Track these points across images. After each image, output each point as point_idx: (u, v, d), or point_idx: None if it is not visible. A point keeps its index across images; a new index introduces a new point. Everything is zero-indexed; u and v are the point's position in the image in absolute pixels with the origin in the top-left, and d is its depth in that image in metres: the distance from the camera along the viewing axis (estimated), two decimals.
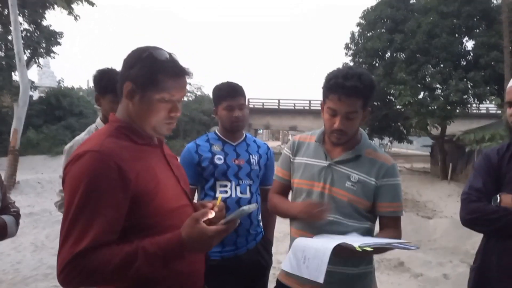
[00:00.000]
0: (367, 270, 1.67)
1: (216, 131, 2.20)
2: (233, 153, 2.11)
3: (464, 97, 14.68)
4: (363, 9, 18.54)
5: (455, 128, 16.22)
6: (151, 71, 1.17)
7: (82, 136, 2.10)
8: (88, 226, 1.04)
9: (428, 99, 15.33)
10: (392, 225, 1.66)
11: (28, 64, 19.06)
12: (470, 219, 1.65)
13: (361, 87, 1.52)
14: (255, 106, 31.06)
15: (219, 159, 2.07)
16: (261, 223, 2.26)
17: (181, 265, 1.20)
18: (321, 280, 1.28)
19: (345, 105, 1.53)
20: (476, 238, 5.89)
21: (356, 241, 1.36)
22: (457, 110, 15.23)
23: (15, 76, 18.09)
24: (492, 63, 14.34)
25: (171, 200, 1.22)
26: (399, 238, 1.64)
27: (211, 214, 1.15)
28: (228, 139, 2.14)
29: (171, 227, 1.14)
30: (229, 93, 2.07)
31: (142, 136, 1.24)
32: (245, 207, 1.17)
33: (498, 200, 1.59)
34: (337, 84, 1.52)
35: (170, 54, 1.22)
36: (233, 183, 2.06)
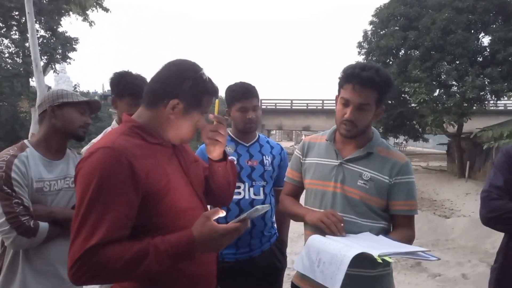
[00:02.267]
0: (384, 272, 1.64)
1: (229, 132, 2.19)
2: (246, 154, 2.10)
3: (481, 93, 14.40)
4: (375, 7, 18.36)
5: (472, 125, 15.91)
6: (200, 93, 1.25)
7: (98, 139, 2.13)
8: (99, 222, 1.05)
9: (444, 96, 15.09)
10: (405, 224, 1.62)
11: (45, 70, 19.47)
12: (490, 218, 1.62)
13: (377, 79, 1.51)
14: (268, 107, 31.02)
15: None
16: (275, 225, 2.25)
17: (193, 266, 1.20)
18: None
19: (358, 95, 1.52)
20: (495, 237, 5.77)
21: (374, 246, 1.33)
22: (474, 107, 14.94)
23: (33, 82, 18.51)
24: (510, 58, 14.04)
25: (182, 200, 1.23)
26: (413, 237, 1.62)
27: (222, 213, 1.16)
28: (241, 140, 2.13)
29: (182, 228, 1.15)
30: (243, 94, 2.05)
31: (155, 136, 1.26)
32: (259, 207, 1.16)
33: None
34: (353, 74, 1.53)
35: (207, 76, 1.29)
36: (247, 184, 2.05)
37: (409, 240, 1.58)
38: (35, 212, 1.61)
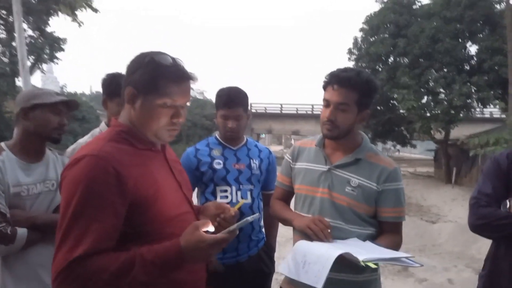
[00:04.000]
0: (371, 278, 1.63)
1: (216, 135, 2.17)
2: (233, 158, 2.08)
3: (467, 101, 14.64)
4: (366, 14, 18.58)
5: (459, 132, 16.15)
6: (152, 76, 1.15)
7: (85, 139, 2.08)
8: (84, 232, 1.02)
9: (432, 103, 15.30)
10: (393, 230, 1.62)
11: (32, 70, 19.19)
12: (479, 225, 1.62)
13: (355, 79, 1.52)
14: (258, 111, 31.07)
15: (218, 164, 2.04)
16: (263, 229, 2.23)
17: (182, 274, 1.17)
18: (320, 285, 1.25)
19: (337, 95, 1.54)
20: (481, 243, 5.83)
21: (360, 252, 1.32)
22: (461, 114, 15.16)
23: (19, 82, 18.22)
24: (496, 67, 14.32)
25: (171, 206, 1.19)
26: (400, 243, 1.62)
27: (211, 228, 1.12)
28: (228, 144, 2.11)
29: (171, 234, 1.12)
30: (225, 103, 1.99)
31: (143, 141, 1.22)
32: (249, 218, 1.14)
33: (508, 206, 1.55)
34: (333, 75, 1.57)
35: (174, 59, 1.19)
36: (234, 188, 2.03)
37: (396, 246, 1.58)
38: (13, 217, 1.55)
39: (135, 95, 1.17)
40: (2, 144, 1.69)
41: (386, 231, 1.62)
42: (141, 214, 1.11)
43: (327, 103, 1.58)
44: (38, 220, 1.61)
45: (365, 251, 1.36)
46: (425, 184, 15.53)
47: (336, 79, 1.55)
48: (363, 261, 1.25)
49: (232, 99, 2.00)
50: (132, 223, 1.11)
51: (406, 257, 1.37)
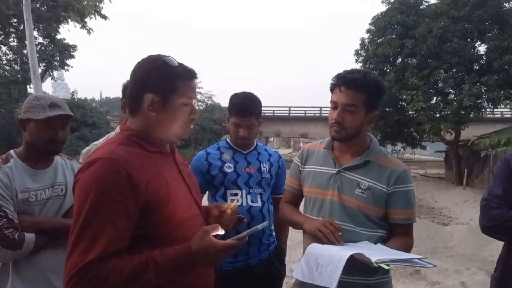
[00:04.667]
0: (383, 280, 1.62)
1: (227, 139, 2.18)
2: (243, 161, 2.10)
3: (477, 101, 14.50)
4: (372, 15, 18.51)
5: (469, 133, 15.96)
6: (169, 78, 1.19)
7: (101, 141, 2.09)
8: (97, 235, 1.04)
9: (441, 104, 15.17)
10: (404, 233, 1.61)
11: (43, 76, 19.48)
12: (490, 227, 1.61)
13: (362, 81, 1.53)
14: (266, 114, 31.08)
15: (228, 168, 2.06)
16: (273, 233, 2.23)
17: (191, 277, 1.19)
18: (333, 286, 1.26)
19: (344, 97, 1.54)
20: (494, 245, 5.75)
21: (372, 253, 1.33)
22: (471, 115, 15.01)
23: (30, 89, 18.50)
24: (506, 66, 14.14)
25: (182, 209, 1.21)
26: (411, 245, 1.62)
27: (221, 231, 1.15)
28: (239, 148, 2.12)
29: (182, 237, 1.14)
30: (238, 112, 2.00)
31: (154, 144, 1.24)
32: (259, 226, 1.17)
33: None
34: (340, 77, 1.58)
35: (180, 62, 1.25)
36: (244, 191, 2.04)
37: (408, 249, 1.57)
38: (20, 223, 1.57)
39: (155, 101, 1.19)
40: (12, 151, 1.71)
41: (397, 233, 1.61)
42: (152, 216, 1.13)
43: (334, 105, 1.59)
44: (46, 225, 1.62)
45: (377, 253, 1.36)
46: (435, 186, 15.40)
47: (343, 81, 1.55)
48: (375, 262, 1.26)
49: (246, 108, 2.00)
50: (144, 225, 1.12)
51: (419, 258, 1.37)
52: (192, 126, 1.28)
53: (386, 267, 1.27)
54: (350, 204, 1.58)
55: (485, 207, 1.63)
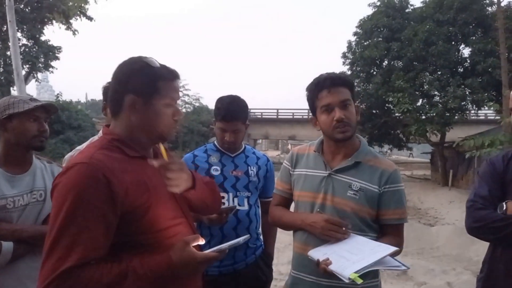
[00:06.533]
0: (372, 284, 1.60)
1: (215, 142, 2.15)
2: (231, 164, 2.07)
3: (462, 103, 14.77)
4: (359, 18, 18.72)
5: (454, 134, 16.22)
6: (151, 79, 1.17)
7: (83, 146, 2.05)
8: (74, 242, 1.00)
9: (427, 106, 15.38)
10: (394, 233, 1.61)
11: (27, 78, 19.15)
12: (476, 227, 1.61)
13: (343, 77, 1.63)
14: (254, 116, 31.08)
15: (215, 170, 2.03)
16: (261, 237, 2.20)
17: (176, 285, 1.16)
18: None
19: (337, 95, 1.56)
20: (479, 245, 5.82)
21: (353, 259, 1.34)
22: (456, 117, 15.27)
23: (14, 91, 18.15)
24: (489, 69, 14.46)
25: (164, 216, 1.17)
26: (401, 245, 1.60)
27: (202, 241, 1.13)
28: (226, 150, 2.09)
29: (164, 244, 1.11)
30: (224, 117, 1.96)
31: (136, 149, 1.21)
32: (240, 239, 1.17)
33: (504, 208, 1.55)
34: (321, 81, 1.60)
35: (163, 64, 1.23)
36: (231, 194, 2.01)
37: (397, 248, 1.54)
38: None
39: (137, 101, 1.17)
40: None
41: (388, 233, 1.61)
42: (133, 223, 1.10)
43: (328, 107, 1.57)
44: (25, 234, 1.56)
45: (359, 256, 1.36)
46: (422, 187, 15.59)
47: (329, 81, 1.57)
48: (349, 277, 1.26)
49: (232, 113, 1.96)
50: (124, 233, 1.09)
51: (395, 259, 1.36)
52: (176, 128, 1.26)
53: (359, 281, 1.26)
54: (344, 206, 1.56)
55: (471, 208, 1.64)
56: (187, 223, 1.27)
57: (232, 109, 1.97)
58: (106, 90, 2.04)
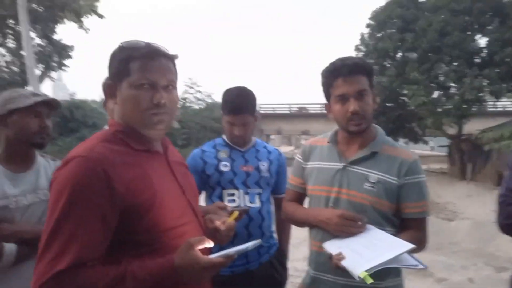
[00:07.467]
0: (395, 283, 1.52)
1: (223, 136, 2.07)
2: (240, 159, 1.97)
3: (479, 95, 14.41)
4: (372, 10, 18.41)
5: (471, 127, 15.89)
6: (123, 60, 1.09)
7: None
8: (69, 240, 0.94)
9: (443, 98, 15.08)
10: (416, 227, 1.50)
11: (42, 78, 19.43)
12: (508, 224, 1.50)
13: (361, 63, 1.49)
14: (266, 112, 31.01)
15: (225, 166, 1.94)
16: (274, 235, 2.11)
17: (186, 285, 1.06)
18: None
19: (353, 84, 1.45)
20: (500, 240, 5.67)
21: (367, 255, 1.26)
22: (473, 108, 14.92)
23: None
24: (507, 59, 14.06)
25: (170, 214, 1.09)
26: (423, 241, 1.51)
27: (209, 244, 1.04)
28: (236, 145, 2.00)
29: (169, 246, 1.04)
30: (231, 110, 1.88)
31: (141, 141, 1.13)
32: (249, 244, 1.07)
33: None
34: (337, 68, 1.48)
35: (148, 42, 1.13)
36: (241, 191, 1.92)
37: (419, 244, 1.44)
38: (0, 232, 1.45)
39: (112, 86, 1.11)
40: None
41: (409, 228, 1.50)
42: (134, 221, 1.02)
43: (343, 97, 1.47)
44: (27, 234, 1.49)
45: (374, 253, 1.27)
46: (439, 181, 15.27)
47: (346, 69, 1.45)
48: (359, 275, 1.18)
49: (239, 105, 1.87)
50: (125, 232, 1.02)
51: (410, 254, 1.27)
52: (160, 115, 1.10)
53: (369, 280, 1.17)
54: (360, 200, 1.47)
55: (502, 204, 1.52)
56: (196, 222, 1.18)
57: (239, 101, 1.88)
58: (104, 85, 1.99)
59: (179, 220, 1.11)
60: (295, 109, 32.26)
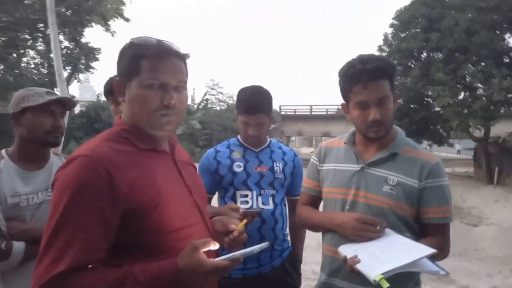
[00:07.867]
0: None
1: (238, 136, 2.06)
2: (254, 160, 1.96)
3: (508, 96, 13.90)
4: (396, 10, 18.06)
5: (499, 129, 15.34)
6: (133, 58, 1.07)
7: None
8: (69, 242, 0.93)
9: (469, 99, 14.64)
10: (438, 233, 1.44)
11: (69, 79, 20.02)
12: None
13: (383, 66, 1.39)
14: (287, 113, 30.90)
15: (238, 167, 1.92)
16: (288, 238, 2.08)
17: None
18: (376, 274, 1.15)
19: (374, 91, 1.38)
20: None
21: (381, 259, 1.21)
22: (502, 110, 14.42)
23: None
24: None
25: (175, 215, 1.07)
26: (446, 248, 1.44)
27: (215, 246, 1.01)
28: (250, 145, 1.99)
29: (174, 248, 1.01)
30: (246, 110, 1.85)
31: (147, 140, 1.12)
32: (256, 247, 1.05)
33: None
34: (357, 72, 1.39)
35: (159, 39, 1.11)
36: (255, 192, 1.90)
37: (441, 251, 1.37)
38: (9, 230, 1.45)
39: (121, 84, 1.10)
40: (3, 151, 1.60)
41: (430, 234, 1.44)
42: (138, 222, 1.01)
43: (364, 104, 1.40)
44: (37, 233, 1.48)
45: (387, 257, 1.23)
46: (464, 185, 14.82)
47: (366, 76, 1.37)
48: (374, 279, 1.14)
49: (254, 105, 1.85)
50: (128, 233, 1.01)
51: (430, 259, 1.21)
52: (169, 116, 1.08)
53: (385, 284, 1.12)
54: (379, 203, 1.42)
55: None
56: (203, 223, 1.16)
57: (254, 101, 1.85)
58: (105, 84, 2.04)
59: (185, 221, 1.09)
60: (316, 110, 31.98)
